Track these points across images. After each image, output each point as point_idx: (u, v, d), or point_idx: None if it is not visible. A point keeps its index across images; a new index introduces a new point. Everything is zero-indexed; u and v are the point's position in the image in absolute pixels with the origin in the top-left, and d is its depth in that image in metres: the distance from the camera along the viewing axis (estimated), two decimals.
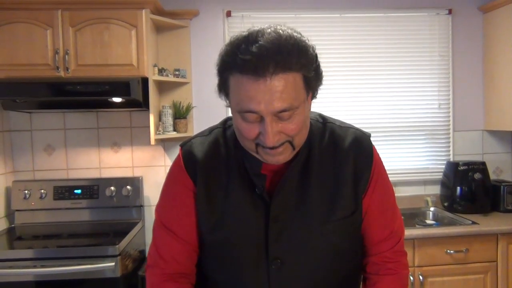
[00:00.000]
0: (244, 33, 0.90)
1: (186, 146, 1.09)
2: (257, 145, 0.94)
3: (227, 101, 0.97)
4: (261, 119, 0.89)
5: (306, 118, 0.96)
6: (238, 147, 1.03)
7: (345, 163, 1.05)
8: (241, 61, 0.85)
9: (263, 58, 0.84)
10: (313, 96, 0.98)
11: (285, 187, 1.02)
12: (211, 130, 1.12)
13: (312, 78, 0.92)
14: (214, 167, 1.05)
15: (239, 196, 1.03)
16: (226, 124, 1.12)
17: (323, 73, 0.98)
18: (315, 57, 0.93)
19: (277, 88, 0.86)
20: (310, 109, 1.00)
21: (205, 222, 1.05)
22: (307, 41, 0.92)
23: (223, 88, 0.95)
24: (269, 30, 0.88)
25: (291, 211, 1.03)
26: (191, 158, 1.06)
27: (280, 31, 0.89)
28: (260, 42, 0.85)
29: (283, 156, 0.95)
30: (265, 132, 0.89)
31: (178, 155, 1.09)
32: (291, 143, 0.94)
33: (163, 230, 1.09)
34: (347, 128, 1.10)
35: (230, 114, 1.02)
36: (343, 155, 1.05)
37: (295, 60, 0.87)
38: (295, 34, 0.90)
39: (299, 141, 0.96)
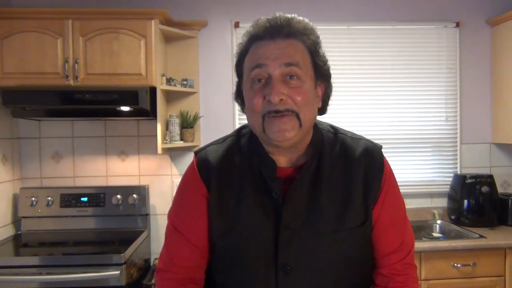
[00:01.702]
0: None
1: (201, 153, 1.11)
2: (263, 118, 0.96)
3: (242, 106, 1.05)
4: (270, 84, 0.95)
5: (313, 101, 1.01)
6: (253, 153, 1.06)
7: (355, 173, 1.05)
8: (258, 28, 0.99)
9: (278, 23, 0.98)
10: (324, 107, 1.06)
11: (296, 193, 1.03)
12: (225, 138, 1.14)
13: (319, 61, 1.02)
14: (227, 174, 1.07)
15: (250, 203, 1.04)
16: (240, 132, 1.13)
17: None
18: (319, 40, 1.04)
19: (287, 48, 0.96)
20: (318, 102, 1.05)
21: (216, 227, 1.06)
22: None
23: (239, 84, 1.05)
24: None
25: (301, 218, 1.03)
26: (205, 165, 1.08)
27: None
28: (276, 15, 1.00)
29: (289, 126, 0.95)
30: (272, 88, 0.94)
31: (193, 161, 1.11)
32: (297, 115, 0.95)
33: (175, 234, 1.10)
34: (358, 139, 1.11)
35: (237, 125, 1.05)
36: (354, 165, 1.06)
37: (304, 32, 1.00)
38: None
39: (305, 117, 0.97)
